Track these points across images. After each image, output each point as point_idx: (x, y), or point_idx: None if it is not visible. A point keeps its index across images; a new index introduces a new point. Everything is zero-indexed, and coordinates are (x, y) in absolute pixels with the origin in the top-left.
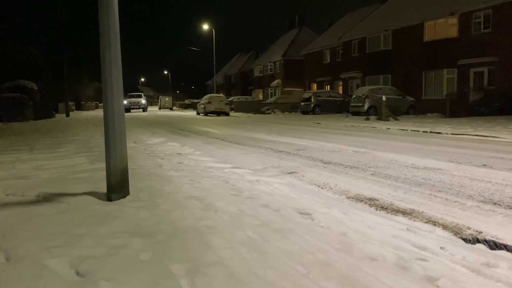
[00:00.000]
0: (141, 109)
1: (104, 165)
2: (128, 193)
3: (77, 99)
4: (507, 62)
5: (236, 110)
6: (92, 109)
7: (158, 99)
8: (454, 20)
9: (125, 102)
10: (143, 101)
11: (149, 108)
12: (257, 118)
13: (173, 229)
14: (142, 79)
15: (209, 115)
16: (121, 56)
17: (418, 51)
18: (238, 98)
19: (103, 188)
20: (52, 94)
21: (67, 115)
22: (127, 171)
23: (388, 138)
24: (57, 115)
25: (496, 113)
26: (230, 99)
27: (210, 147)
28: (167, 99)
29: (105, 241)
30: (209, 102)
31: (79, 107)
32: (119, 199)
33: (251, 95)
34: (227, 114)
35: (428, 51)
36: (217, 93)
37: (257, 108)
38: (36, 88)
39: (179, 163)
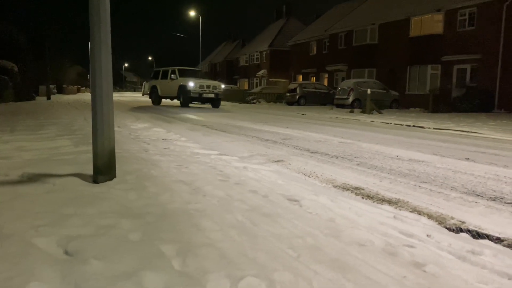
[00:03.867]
0: (214, 101)
1: (89, 148)
2: (115, 176)
3: (59, 82)
4: (489, 60)
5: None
6: (74, 93)
7: (141, 85)
8: (439, 17)
9: (191, 84)
10: (222, 86)
11: (132, 94)
12: (242, 107)
13: (162, 211)
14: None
15: (193, 103)
16: (110, 33)
17: (403, 46)
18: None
19: (88, 170)
20: (33, 76)
21: (48, 98)
22: (115, 153)
23: (372, 130)
24: (38, 98)
25: (477, 109)
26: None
27: (196, 133)
28: None
29: (94, 221)
30: None
31: (60, 91)
32: (105, 181)
33: (236, 84)
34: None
35: (413, 47)
36: None
37: (242, 97)
38: (16, 69)
39: (165, 148)
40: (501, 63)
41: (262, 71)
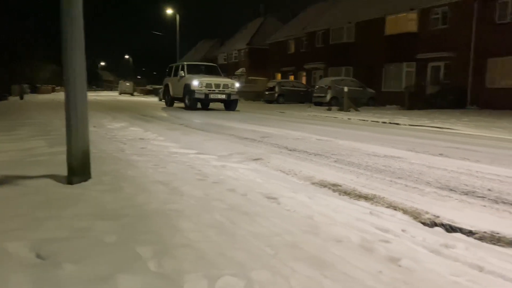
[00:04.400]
0: (227, 103)
1: (64, 148)
2: (90, 177)
3: (33, 81)
4: (462, 58)
5: None
6: (49, 92)
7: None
8: (414, 15)
9: (195, 83)
10: (236, 84)
11: (108, 93)
12: (220, 105)
13: (139, 213)
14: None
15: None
16: (83, 31)
17: (379, 44)
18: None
19: (63, 171)
20: (4, 76)
21: (21, 97)
22: (89, 154)
23: (349, 128)
24: (10, 98)
25: (451, 106)
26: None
27: (174, 133)
28: (127, 84)
29: (68, 223)
30: None
31: (34, 90)
32: (80, 182)
33: None
34: None
35: (389, 45)
36: None
37: None
38: None
39: (142, 148)
40: (472, 60)
41: (240, 70)
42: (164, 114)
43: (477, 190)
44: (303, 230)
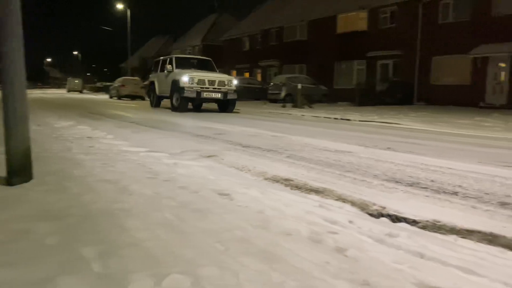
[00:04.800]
0: (223, 104)
1: (2, 148)
2: (31, 177)
3: None
4: (409, 56)
5: None
6: None
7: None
8: (364, 14)
9: (185, 79)
10: (234, 81)
11: (56, 91)
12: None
13: (84, 213)
14: (48, 59)
15: (122, 99)
16: (21, 24)
17: (331, 42)
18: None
19: (2, 172)
20: None
21: None
22: (30, 153)
23: (303, 124)
24: None
25: (399, 102)
26: (146, 82)
27: (124, 131)
28: (76, 81)
29: (6, 226)
30: (123, 85)
31: None
32: (21, 183)
33: None
34: (142, 98)
35: (340, 43)
36: (132, 76)
37: None
38: None
39: (90, 146)
40: (419, 58)
41: None
42: (116, 112)
43: (421, 182)
44: (254, 225)
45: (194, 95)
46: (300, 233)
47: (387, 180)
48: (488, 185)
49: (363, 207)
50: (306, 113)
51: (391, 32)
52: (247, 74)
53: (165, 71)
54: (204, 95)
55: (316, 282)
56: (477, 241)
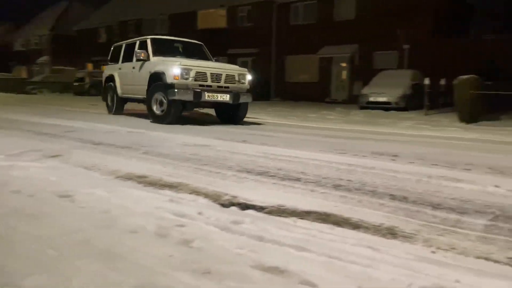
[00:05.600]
0: (231, 108)
1: None
2: None
3: None
4: (266, 54)
5: None
6: None
7: None
8: (223, 12)
9: (175, 71)
10: (248, 76)
11: None
12: (20, 98)
13: None
14: None
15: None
16: None
17: (193, 39)
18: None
19: None
20: None
21: None
22: None
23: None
24: None
25: (258, 98)
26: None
27: None
28: None
29: None
30: None
31: None
32: None
33: (10, 72)
34: None
35: (202, 39)
36: None
37: (20, 87)
38: None
39: None
40: (274, 57)
41: (43, 58)
42: None
43: (270, 170)
44: (97, 225)
45: (190, 96)
46: (146, 229)
47: (240, 171)
48: (326, 170)
49: (216, 198)
50: None
51: (249, 31)
52: (104, 67)
53: (134, 60)
54: (207, 97)
55: (157, 277)
56: (313, 221)
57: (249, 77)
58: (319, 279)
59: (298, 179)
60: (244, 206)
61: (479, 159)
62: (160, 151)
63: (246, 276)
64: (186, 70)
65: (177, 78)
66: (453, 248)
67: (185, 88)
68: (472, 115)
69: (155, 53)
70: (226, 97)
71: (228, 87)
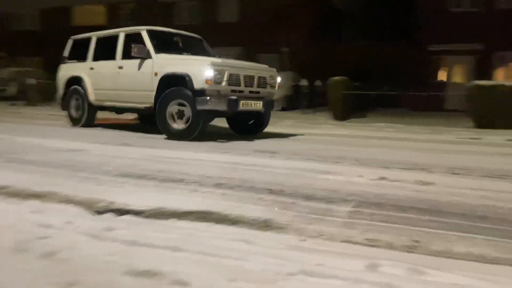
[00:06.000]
0: (257, 118)
1: None
2: None
3: None
4: None
5: None
6: None
7: None
8: (103, 9)
9: (208, 74)
10: (278, 78)
11: None
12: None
13: None
14: None
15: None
16: None
17: (69, 35)
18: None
19: None
20: None
21: None
22: None
23: (35, 123)
24: None
25: None
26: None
27: None
28: None
29: None
30: None
31: None
32: None
33: None
34: None
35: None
36: None
37: None
38: None
39: None
40: None
41: None
42: None
43: (152, 173)
44: None
45: (224, 106)
46: (3, 246)
47: (119, 175)
48: (211, 169)
49: (90, 205)
50: (43, 111)
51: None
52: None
53: (118, 59)
54: (242, 106)
55: None
56: (193, 220)
57: (279, 79)
58: (191, 277)
59: (181, 180)
60: (122, 211)
61: (348, 152)
62: (29, 158)
63: (117, 283)
64: (219, 72)
65: (210, 82)
66: (322, 235)
67: (217, 95)
68: (344, 113)
69: (159, 50)
70: (258, 105)
71: (259, 92)
